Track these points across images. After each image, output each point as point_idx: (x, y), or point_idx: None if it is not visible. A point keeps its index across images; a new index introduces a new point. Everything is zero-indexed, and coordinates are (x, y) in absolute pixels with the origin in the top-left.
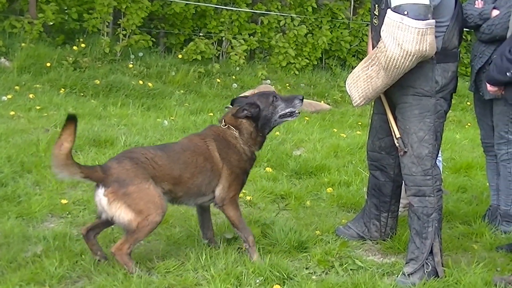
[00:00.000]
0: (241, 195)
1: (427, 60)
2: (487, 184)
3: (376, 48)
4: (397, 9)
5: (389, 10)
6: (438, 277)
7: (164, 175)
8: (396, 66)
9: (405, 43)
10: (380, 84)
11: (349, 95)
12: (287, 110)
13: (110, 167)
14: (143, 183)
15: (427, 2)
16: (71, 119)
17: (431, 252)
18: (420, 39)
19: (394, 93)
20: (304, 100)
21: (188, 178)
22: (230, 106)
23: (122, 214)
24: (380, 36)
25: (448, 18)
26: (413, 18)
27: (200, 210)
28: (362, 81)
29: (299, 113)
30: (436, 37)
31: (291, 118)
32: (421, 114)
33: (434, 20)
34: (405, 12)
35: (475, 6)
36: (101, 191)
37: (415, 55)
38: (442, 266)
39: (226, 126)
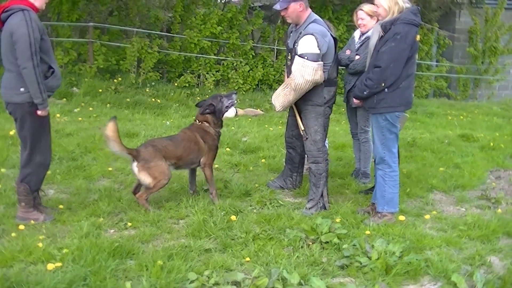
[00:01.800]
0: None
1: (319, 85)
2: (353, 155)
3: (289, 77)
4: (302, 55)
5: (296, 56)
6: (326, 209)
7: (172, 156)
8: (301, 88)
9: (306, 75)
10: (291, 99)
11: (273, 105)
12: (229, 102)
13: (140, 150)
14: (159, 161)
15: (319, 52)
16: (113, 118)
17: (321, 195)
18: (314, 73)
19: (300, 104)
20: (246, 109)
21: (186, 155)
22: (197, 107)
23: (145, 178)
24: (291, 71)
25: (330, 61)
26: (310, 60)
27: (190, 172)
28: (281, 97)
29: (236, 102)
30: (324, 71)
31: (232, 107)
32: (315, 116)
33: (322, 62)
34: (306, 57)
35: (346, 53)
36: (134, 164)
37: (311, 82)
38: (328, 203)
39: (200, 122)
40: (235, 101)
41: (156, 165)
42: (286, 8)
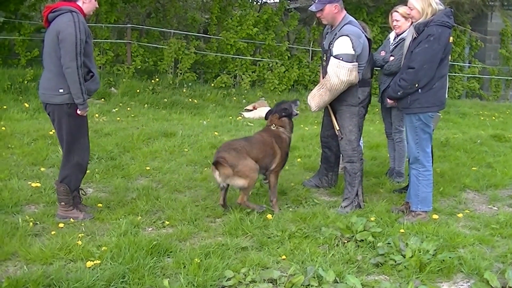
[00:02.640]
0: None
1: (353, 85)
2: (388, 155)
3: (324, 78)
4: (337, 56)
5: (331, 57)
6: (361, 208)
7: (251, 156)
8: (336, 89)
9: (341, 76)
10: (327, 99)
11: (309, 105)
12: (296, 107)
13: (223, 157)
14: (244, 160)
15: (353, 52)
16: None
17: (356, 194)
18: (349, 73)
19: (335, 104)
20: None
21: (261, 157)
22: (268, 112)
23: (239, 182)
24: (326, 71)
25: (365, 62)
26: (345, 61)
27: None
28: (317, 97)
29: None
30: (358, 72)
31: (296, 116)
32: (350, 116)
33: (357, 63)
34: (341, 58)
35: (380, 54)
36: (217, 173)
37: (346, 83)
38: (363, 202)
39: (276, 127)
40: (297, 113)
41: (244, 166)
42: (321, 10)
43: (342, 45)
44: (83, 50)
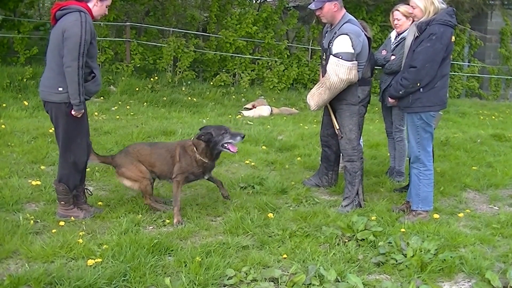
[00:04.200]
0: (247, 161)
1: (353, 84)
2: (388, 154)
3: (324, 77)
4: (336, 55)
5: (331, 55)
6: (361, 207)
7: (145, 161)
8: (335, 88)
9: (340, 74)
10: (326, 98)
11: (308, 104)
12: (230, 140)
13: (114, 156)
14: (130, 165)
15: (353, 51)
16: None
17: (357, 193)
18: (349, 72)
19: (335, 103)
20: (280, 108)
21: (160, 164)
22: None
23: (125, 182)
24: (326, 70)
25: (364, 60)
26: (345, 60)
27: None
28: (316, 96)
29: (236, 148)
30: (358, 71)
31: (230, 152)
32: (350, 115)
33: (356, 61)
34: (340, 57)
35: (382, 53)
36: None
37: (346, 81)
38: (363, 201)
39: (191, 143)
40: (236, 149)
41: (127, 169)
42: (321, 8)
43: (342, 44)
44: (87, 51)
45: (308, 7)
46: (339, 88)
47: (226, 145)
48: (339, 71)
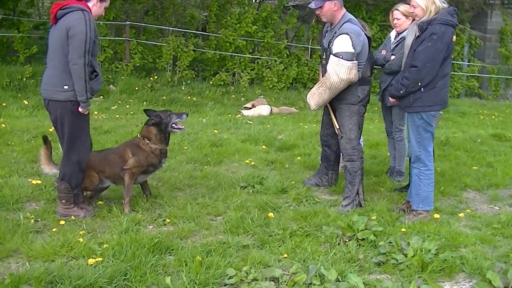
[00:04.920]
0: (247, 160)
1: (353, 84)
2: (388, 154)
3: (324, 77)
4: (336, 54)
5: (331, 55)
6: (361, 207)
7: (94, 166)
8: (335, 87)
9: (341, 74)
10: (326, 98)
11: (308, 104)
12: (177, 120)
13: None
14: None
15: (353, 51)
16: (45, 139)
17: (357, 193)
18: (349, 72)
19: (334, 103)
20: (280, 107)
21: (109, 169)
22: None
23: None
24: (326, 70)
25: (364, 60)
26: (345, 59)
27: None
28: (316, 96)
29: (184, 126)
30: (358, 70)
31: (179, 131)
32: (350, 114)
33: (356, 61)
34: (341, 56)
35: (381, 53)
36: None
37: (346, 81)
38: (364, 201)
39: (142, 137)
40: (183, 127)
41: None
42: (321, 7)
43: (342, 43)
44: (91, 49)
45: (308, 6)
46: (339, 88)
47: (174, 125)
48: (339, 71)
